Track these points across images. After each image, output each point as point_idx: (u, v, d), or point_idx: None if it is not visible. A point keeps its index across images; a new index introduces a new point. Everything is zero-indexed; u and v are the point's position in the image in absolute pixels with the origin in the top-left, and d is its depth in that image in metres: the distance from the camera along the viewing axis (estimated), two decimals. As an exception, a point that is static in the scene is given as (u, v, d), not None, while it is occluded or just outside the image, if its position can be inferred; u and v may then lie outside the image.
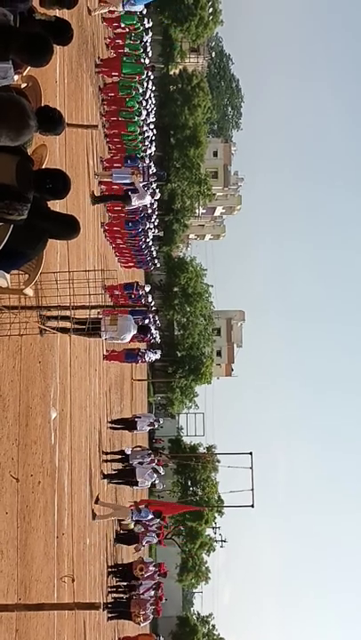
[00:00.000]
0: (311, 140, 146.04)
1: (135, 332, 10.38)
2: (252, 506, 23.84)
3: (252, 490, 23.70)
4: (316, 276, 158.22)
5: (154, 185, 20.46)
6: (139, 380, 29.46)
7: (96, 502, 10.90)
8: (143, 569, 12.41)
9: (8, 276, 4.26)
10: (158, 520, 13.39)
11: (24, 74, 4.39)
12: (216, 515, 39.12)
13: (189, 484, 39.55)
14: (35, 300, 6.04)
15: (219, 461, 37.05)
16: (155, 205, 20.98)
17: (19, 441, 5.65)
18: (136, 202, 14.36)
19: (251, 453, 24.13)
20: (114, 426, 14.45)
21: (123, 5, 13.47)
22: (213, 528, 40.13)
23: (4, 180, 3.01)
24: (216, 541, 41.02)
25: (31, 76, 4.60)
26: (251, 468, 23.80)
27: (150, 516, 13.19)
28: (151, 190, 16.45)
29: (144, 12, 15.62)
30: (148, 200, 15.48)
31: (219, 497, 37.92)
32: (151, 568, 12.69)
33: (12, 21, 3.42)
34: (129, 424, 15.24)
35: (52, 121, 3.39)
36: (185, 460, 37.05)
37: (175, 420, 48.74)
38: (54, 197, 3.53)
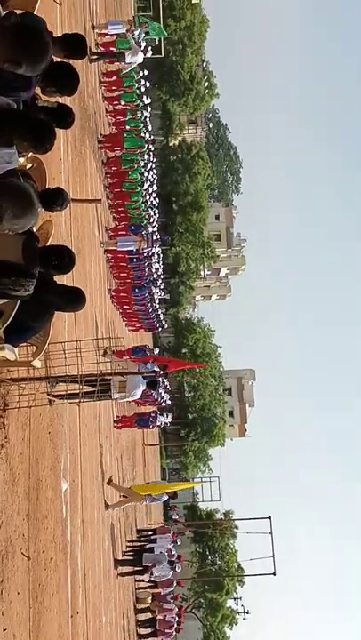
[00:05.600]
0: (308, 197, 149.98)
1: (144, 387, 10.43)
2: (274, 574, 22.89)
3: (273, 556, 22.84)
4: (322, 329, 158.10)
5: (158, 250, 20.91)
6: (151, 445, 28.99)
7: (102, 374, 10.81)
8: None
9: (16, 348, 4.31)
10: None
11: (29, 156, 4.61)
12: (237, 584, 37.46)
13: (208, 552, 38.09)
14: (43, 371, 6.06)
15: (237, 527, 35.83)
16: (160, 271, 21.36)
17: (29, 516, 5.52)
18: (130, 59, 14.08)
19: (270, 518, 23.39)
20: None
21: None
22: (235, 599, 38.33)
23: (10, 258, 3.11)
24: (238, 613, 39.06)
25: (36, 157, 4.82)
26: (270, 533, 23.03)
27: (155, 369, 13.33)
28: (144, 48, 15.31)
29: (142, 89, 16.46)
30: (140, 57, 14.79)
31: (239, 565, 36.42)
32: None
33: (16, 109, 3.62)
34: (142, 492, 14.85)
35: (56, 204, 3.55)
36: (202, 527, 35.86)
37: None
38: (60, 273, 3.63)
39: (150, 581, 13.70)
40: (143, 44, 15.86)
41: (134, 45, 14.56)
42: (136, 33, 15.41)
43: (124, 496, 11.20)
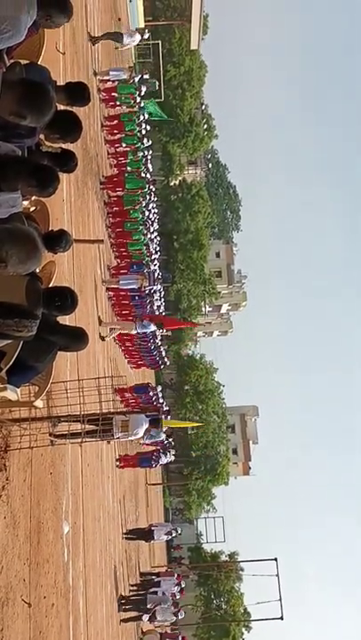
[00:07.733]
0: (307, 234, 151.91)
1: (147, 425, 10.36)
2: (282, 618, 22.17)
3: (280, 600, 22.18)
4: (325, 364, 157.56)
5: (160, 287, 21.04)
6: (153, 485, 28.53)
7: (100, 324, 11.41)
8: None
9: (18, 389, 4.30)
10: None
11: (32, 199, 4.70)
12: (243, 630, 36.27)
13: (213, 596, 36.99)
14: (45, 411, 6.03)
15: (242, 570, 34.92)
16: (162, 308, 21.44)
17: (30, 560, 5.41)
18: (127, 39, 15.72)
19: (276, 559, 22.81)
20: (129, 536, 13.83)
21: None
22: (241, 646, 37.02)
23: (14, 300, 3.14)
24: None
25: (39, 199, 4.92)
26: (277, 575, 22.42)
27: (152, 327, 13.96)
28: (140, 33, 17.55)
29: (143, 132, 16.88)
30: (137, 38, 16.56)
31: (245, 610, 35.32)
32: None
33: (21, 155, 3.72)
34: (145, 534, 14.61)
35: (59, 246, 3.62)
36: (206, 570, 34.93)
37: (193, 526, 46.54)
38: (62, 313, 3.66)
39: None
40: (143, 89, 16.59)
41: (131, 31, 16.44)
42: (136, 80, 16.22)
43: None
